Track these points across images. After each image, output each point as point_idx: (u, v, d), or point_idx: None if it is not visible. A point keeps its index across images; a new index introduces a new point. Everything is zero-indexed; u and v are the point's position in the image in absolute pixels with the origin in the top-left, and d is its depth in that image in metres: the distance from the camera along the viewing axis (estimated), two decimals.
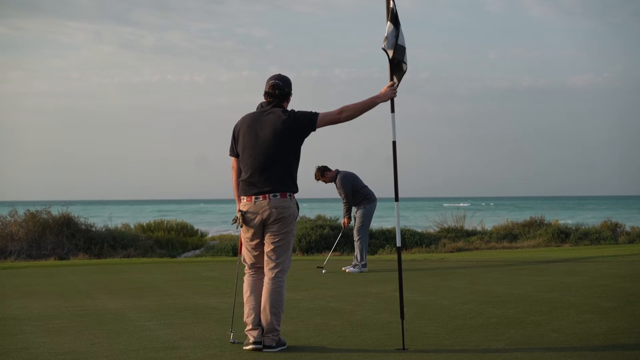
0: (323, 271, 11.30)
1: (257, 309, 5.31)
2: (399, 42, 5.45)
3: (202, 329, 6.22)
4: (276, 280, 5.28)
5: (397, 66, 5.45)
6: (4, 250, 17.07)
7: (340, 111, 5.23)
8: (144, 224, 20.80)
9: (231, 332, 5.62)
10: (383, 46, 5.44)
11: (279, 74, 5.42)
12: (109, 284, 10.46)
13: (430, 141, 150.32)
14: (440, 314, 6.78)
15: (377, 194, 11.58)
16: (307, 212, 23.40)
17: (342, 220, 11.63)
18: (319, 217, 20.22)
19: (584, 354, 4.86)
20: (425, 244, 18.19)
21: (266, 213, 5.25)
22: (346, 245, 17.18)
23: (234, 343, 5.49)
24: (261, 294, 5.34)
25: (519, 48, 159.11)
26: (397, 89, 5.44)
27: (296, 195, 5.38)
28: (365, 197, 11.39)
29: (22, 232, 17.48)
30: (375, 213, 11.73)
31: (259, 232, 5.35)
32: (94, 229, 18.51)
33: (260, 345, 5.21)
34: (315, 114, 5.23)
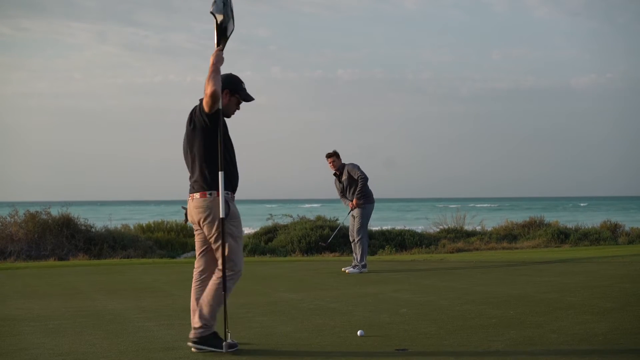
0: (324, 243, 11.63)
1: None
2: (228, 5, 5.26)
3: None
4: (216, 279, 5.20)
5: (224, 31, 5.28)
6: (3, 250, 17.05)
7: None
8: (144, 224, 20.78)
9: (227, 332, 5.55)
10: (211, 10, 5.25)
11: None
12: (108, 284, 10.46)
13: (431, 141, 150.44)
14: (440, 314, 6.78)
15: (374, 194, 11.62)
16: (306, 212, 23.37)
17: (352, 202, 11.46)
18: (318, 218, 20.22)
19: (583, 354, 4.86)
20: (425, 245, 18.20)
21: (194, 214, 5.23)
22: (346, 245, 17.18)
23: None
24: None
25: (522, 48, 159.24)
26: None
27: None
28: (366, 195, 11.41)
29: (22, 232, 17.47)
30: (374, 214, 11.77)
31: (200, 234, 5.31)
32: (93, 229, 18.49)
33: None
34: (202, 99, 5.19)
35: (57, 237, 17.48)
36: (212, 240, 5.20)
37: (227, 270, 5.16)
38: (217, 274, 5.21)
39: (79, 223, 18.20)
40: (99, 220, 21.11)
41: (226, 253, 5.14)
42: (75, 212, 18.67)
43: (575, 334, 5.59)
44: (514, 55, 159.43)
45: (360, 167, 11.54)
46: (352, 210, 11.52)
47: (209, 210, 5.14)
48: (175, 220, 20.51)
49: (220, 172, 5.10)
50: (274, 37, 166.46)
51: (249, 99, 5.35)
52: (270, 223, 20.55)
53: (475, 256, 14.91)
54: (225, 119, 5.33)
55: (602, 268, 11.22)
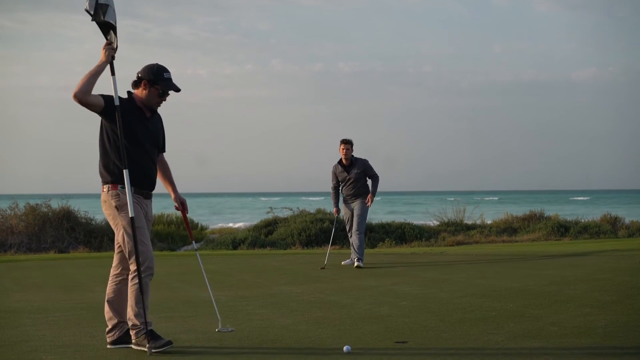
0: (322, 267, 11.08)
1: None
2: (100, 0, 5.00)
3: (202, 322, 6.22)
4: (131, 278, 5.11)
5: (106, 25, 5.04)
6: (4, 243, 17.08)
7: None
8: None
9: (219, 321, 5.59)
10: (86, 7, 5.00)
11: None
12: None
13: (432, 135, 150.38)
14: (440, 307, 6.79)
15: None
16: (306, 205, 23.36)
17: (367, 198, 11.09)
18: (318, 211, 20.22)
19: (583, 347, 4.87)
20: (425, 238, 18.21)
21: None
22: (346, 238, 17.18)
23: (221, 331, 5.54)
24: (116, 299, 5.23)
25: (523, 42, 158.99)
26: (117, 44, 5.05)
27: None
28: (368, 190, 11.30)
29: (22, 225, 17.49)
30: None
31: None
32: (94, 222, 18.52)
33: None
34: None
35: (57, 230, 17.51)
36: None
37: (132, 266, 5.08)
38: (130, 274, 5.11)
39: (79, 216, 18.22)
40: (99, 213, 21.11)
41: (127, 249, 5.06)
42: (75, 205, 18.69)
43: (575, 326, 5.60)
44: (514, 48, 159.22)
45: None
46: (348, 206, 11.18)
47: (105, 204, 5.12)
48: (175, 213, 20.51)
49: (125, 170, 4.98)
50: (274, 30, 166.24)
51: (172, 88, 5.18)
52: (270, 216, 20.56)
53: (475, 249, 14.93)
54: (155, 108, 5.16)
55: (601, 261, 11.24)
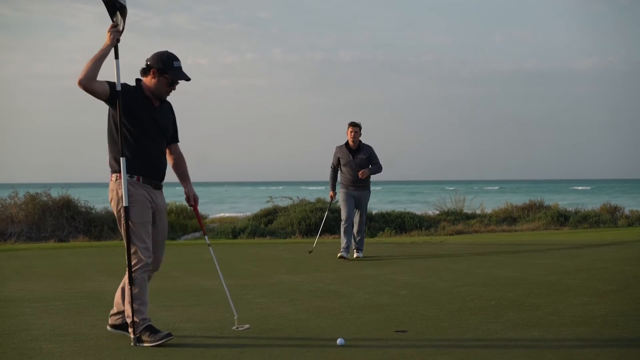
0: (310, 251, 11.08)
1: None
2: None
3: (202, 311, 6.23)
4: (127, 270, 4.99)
5: (113, 5, 4.88)
6: (3, 232, 17.09)
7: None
8: None
9: (236, 318, 5.44)
10: None
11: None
12: (109, 266, 10.49)
13: (432, 124, 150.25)
14: (440, 296, 6.80)
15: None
16: (306, 194, 23.36)
17: (363, 171, 10.57)
18: (318, 200, 20.22)
19: (582, 336, 4.88)
20: (424, 227, 18.21)
21: None
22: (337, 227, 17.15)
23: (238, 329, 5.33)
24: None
25: (524, 31, 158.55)
26: (123, 29, 4.92)
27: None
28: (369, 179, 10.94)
29: (22, 214, 17.48)
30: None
31: None
32: (93, 211, 18.52)
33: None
34: None
35: (57, 219, 17.51)
36: None
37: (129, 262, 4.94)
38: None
39: (79, 205, 18.22)
40: (99, 202, 21.12)
41: (127, 242, 4.94)
42: (75, 194, 18.68)
43: (574, 316, 5.60)
44: (515, 37, 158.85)
45: None
46: (346, 193, 10.68)
47: (112, 193, 5.02)
48: (175, 202, 20.50)
49: (122, 159, 4.89)
50: (275, 19, 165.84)
51: (181, 77, 5.03)
52: (270, 205, 20.56)
53: (474, 239, 14.94)
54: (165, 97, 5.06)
55: (601, 250, 11.24)
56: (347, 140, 10.78)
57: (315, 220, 17.90)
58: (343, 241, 10.64)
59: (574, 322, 5.36)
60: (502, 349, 4.56)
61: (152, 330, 4.91)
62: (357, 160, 10.69)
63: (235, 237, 17.37)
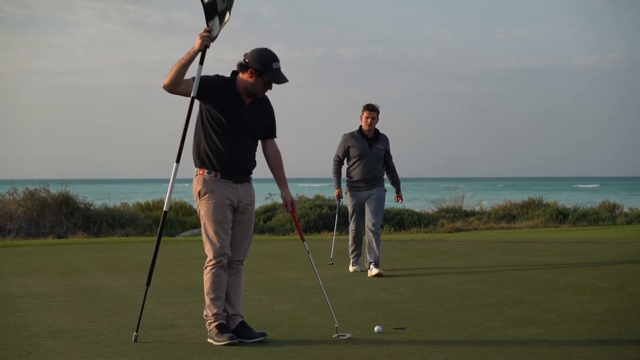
0: (330, 263, 9.52)
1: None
2: None
3: (201, 307, 6.20)
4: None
5: (213, 8, 4.79)
6: (2, 228, 17.07)
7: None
8: (143, 202, 20.78)
9: (336, 326, 5.26)
10: None
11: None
12: (107, 262, 10.48)
13: (431, 121, 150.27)
14: (438, 293, 6.80)
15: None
16: (305, 192, 23.36)
17: (396, 196, 8.97)
18: (317, 197, 20.23)
19: (581, 334, 4.88)
20: (423, 224, 18.22)
21: None
22: (345, 225, 17.14)
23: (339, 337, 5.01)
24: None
25: (524, 27, 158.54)
26: (217, 36, 4.84)
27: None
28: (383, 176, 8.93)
29: (21, 210, 17.47)
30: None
31: None
32: (92, 207, 18.51)
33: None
34: None
35: (56, 215, 17.50)
36: None
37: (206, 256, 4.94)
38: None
39: (78, 201, 18.20)
40: (98, 199, 21.12)
41: (205, 236, 4.90)
42: (74, 190, 18.67)
43: (573, 313, 5.61)
44: (516, 34, 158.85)
45: None
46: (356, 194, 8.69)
47: (193, 187, 4.98)
48: (175, 199, 20.50)
49: (175, 164, 4.91)
50: (276, 15, 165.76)
51: (279, 81, 4.86)
52: (269, 202, 20.57)
53: (473, 236, 14.95)
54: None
55: (600, 248, 11.25)
56: (360, 126, 8.72)
57: (314, 217, 17.90)
58: (351, 249, 8.93)
59: (572, 319, 5.37)
60: (501, 346, 4.56)
61: (219, 329, 4.84)
62: (375, 151, 8.62)
63: None
